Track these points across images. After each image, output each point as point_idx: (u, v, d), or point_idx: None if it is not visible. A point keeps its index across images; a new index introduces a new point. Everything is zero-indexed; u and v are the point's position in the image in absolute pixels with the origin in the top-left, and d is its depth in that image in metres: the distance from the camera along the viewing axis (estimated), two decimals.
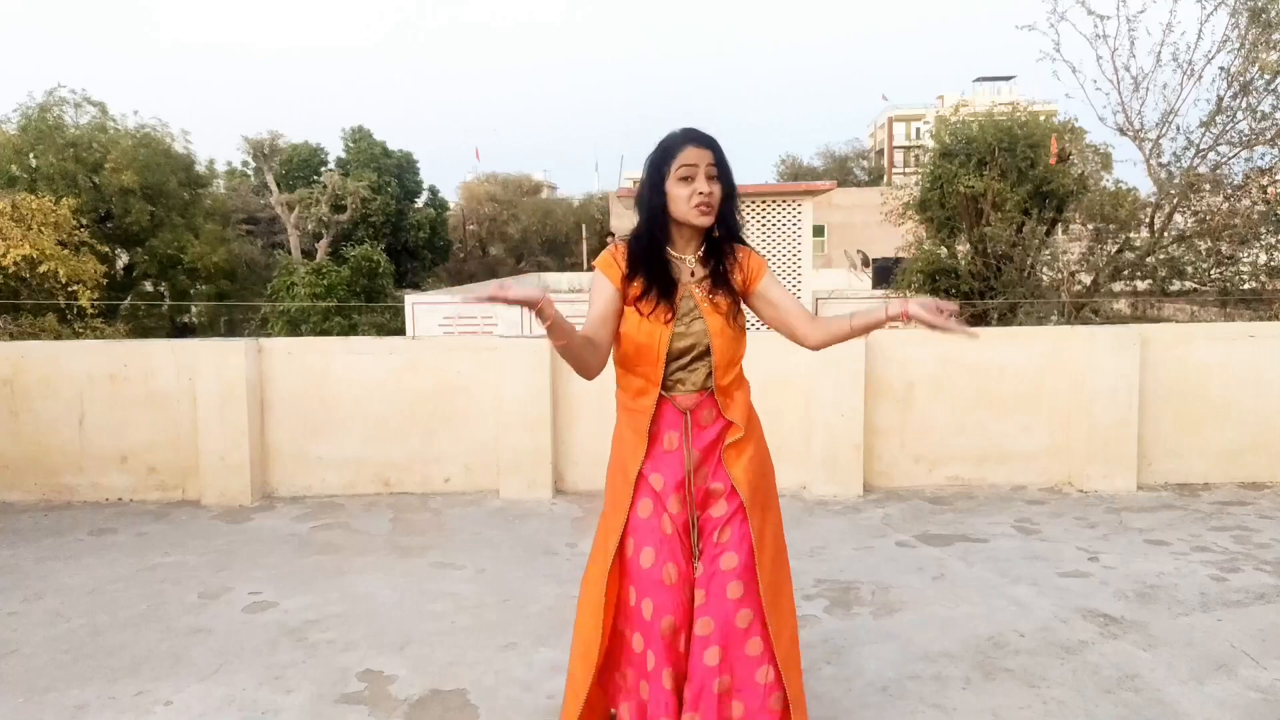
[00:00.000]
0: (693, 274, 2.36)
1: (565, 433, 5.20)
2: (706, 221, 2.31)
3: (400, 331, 19.06)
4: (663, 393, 2.35)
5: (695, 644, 2.30)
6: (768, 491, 2.42)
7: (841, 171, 51.02)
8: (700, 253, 2.38)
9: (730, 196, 2.35)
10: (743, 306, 2.42)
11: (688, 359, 2.34)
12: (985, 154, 12.84)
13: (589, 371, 2.26)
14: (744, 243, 2.43)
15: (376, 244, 28.76)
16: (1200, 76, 10.95)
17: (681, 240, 2.37)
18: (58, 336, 16.56)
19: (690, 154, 2.27)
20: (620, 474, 2.41)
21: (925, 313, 2.15)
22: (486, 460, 5.24)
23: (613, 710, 2.44)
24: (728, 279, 2.36)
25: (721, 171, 2.31)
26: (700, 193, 2.26)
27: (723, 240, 2.39)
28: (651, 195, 2.32)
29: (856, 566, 3.96)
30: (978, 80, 57.82)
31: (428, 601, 3.62)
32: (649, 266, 2.33)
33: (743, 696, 2.31)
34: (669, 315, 2.31)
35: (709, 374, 2.34)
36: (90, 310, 17.72)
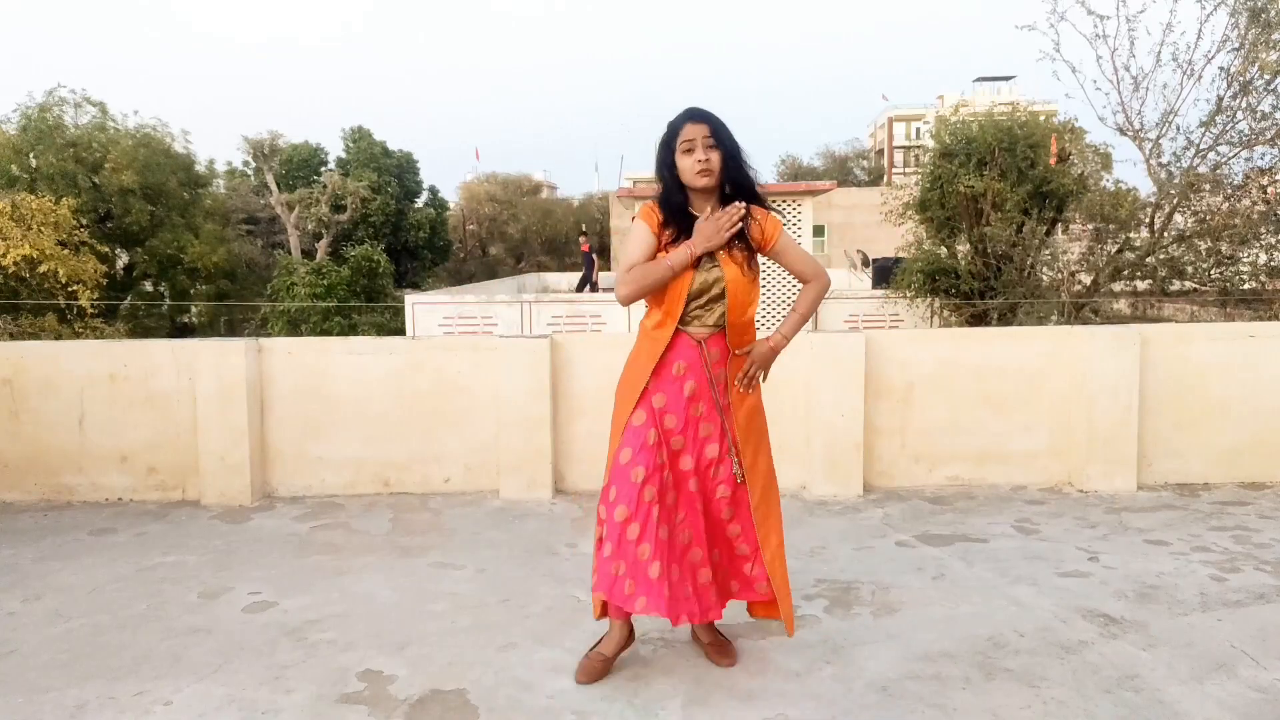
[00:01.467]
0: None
1: (565, 433, 5.20)
2: (706, 182, 2.78)
3: (400, 331, 19.06)
4: (680, 326, 2.84)
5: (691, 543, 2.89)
6: (760, 431, 2.97)
7: (841, 171, 51.01)
8: (714, 209, 2.81)
9: (732, 157, 2.80)
10: (759, 260, 2.92)
11: (705, 299, 2.82)
12: (985, 154, 12.85)
13: (648, 293, 2.85)
14: (759, 199, 2.87)
15: (376, 244, 28.75)
16: (1200, 76, 10.97)
17: (699, 202, 2.85)
18: (58, 336, 16.58)
19: (689, 130, 2.77)
20: (628, 387, 2.89)
21: (755, 359, 2.92)
22: (486, 460, 5.24)
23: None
24: (744, 235, 2.83)
25: (719, 140, 2.77)
26: (699, 160, 2.75)
27: (735, 197, 2.84)
28: (665, 170, 2.83)
29: (856, 566, 3.96)
30: (978, 80, 57.82)
31: (428, 601, 3.62)
32: (677, 221, 2.83)
33: (734, 578, 3.00)
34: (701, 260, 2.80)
35: (723, 314, 2.84)
36: (90, 310, 17.74)
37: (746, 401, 2.94)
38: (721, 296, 2.81)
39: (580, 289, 21.60)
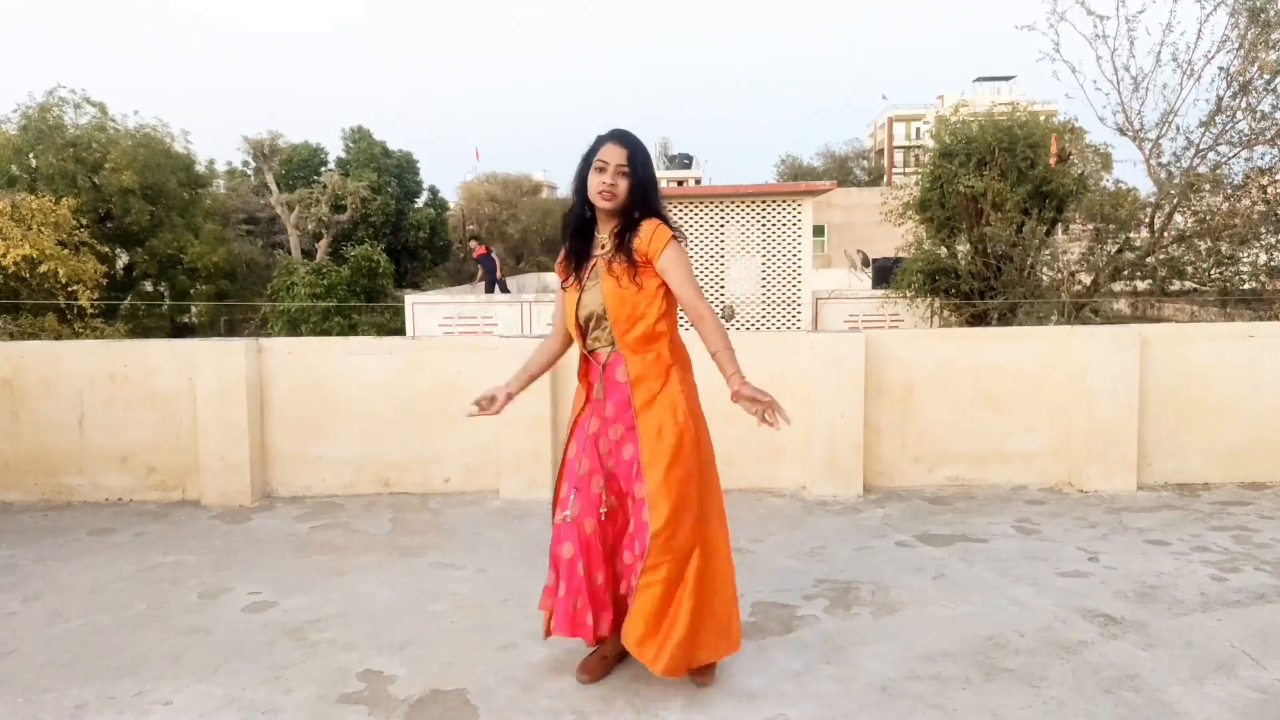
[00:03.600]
0: (603, 247, 2.83)
1: (565, 433, 5.19)
2: (606, 205, 2.77)
3: (400, 331, 19.05)
4: (585, 351, 2.88)
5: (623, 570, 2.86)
6: (678, 447, 2.76)
7: (841, 171, 51.01)
8: (615, 230, 2.81)
9: (642, 188, 2.77)
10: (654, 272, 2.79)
11: (594, 320, 2.84)
12: (985, 154, 12.85)
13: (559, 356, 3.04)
14: (663, 219, 2.81)
15: (376, 244, 28.75)
16: (1200, 76, 10.96)
17: (601, 220, 2.85)
18: (58, 336, 16.57)
19: (607, 150, 2.76)
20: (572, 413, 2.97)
21: (750, 400, 2.59)
22: (486, 460, 5.24)
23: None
24: (628, 248, 2.77)
25: (633, 168, 2.76)
26: (605, 183, 2.74)
27: (640, 220, 2.79)
28: (578, 182, 2.82)
29: (856, 566, 3.96)
30: (978, 80, 57.84)
31: (428, 601, 3.62)
32: (572, 241, 2.88)
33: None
34: (577, 284, 2.85)
35: (604, 331, 2.82)
36: (90, 310, 17.73)
37: (655, 421, 2.76)
38: (604, 315, 2.80)
39: (489, 291, 21.08)
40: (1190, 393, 5.25)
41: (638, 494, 2.77)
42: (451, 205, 41.82)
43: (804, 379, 5.14)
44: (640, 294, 2.75)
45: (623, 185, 2.75)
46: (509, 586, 3.77)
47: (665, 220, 2.80)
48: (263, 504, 5.10)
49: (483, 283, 21.68)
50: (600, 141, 2.80)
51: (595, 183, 2.75)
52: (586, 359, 2.90)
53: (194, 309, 26.24)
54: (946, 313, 13.95)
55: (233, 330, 25.32)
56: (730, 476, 4.23)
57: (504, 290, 21.09)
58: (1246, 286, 11.72)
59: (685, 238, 2.85)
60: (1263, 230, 11.30)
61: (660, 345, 2.81)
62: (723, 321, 2.90)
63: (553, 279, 29.81)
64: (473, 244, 22.88)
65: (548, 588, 2.90)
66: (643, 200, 2.79)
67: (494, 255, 22.56)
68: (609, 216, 2.82)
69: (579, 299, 2.83)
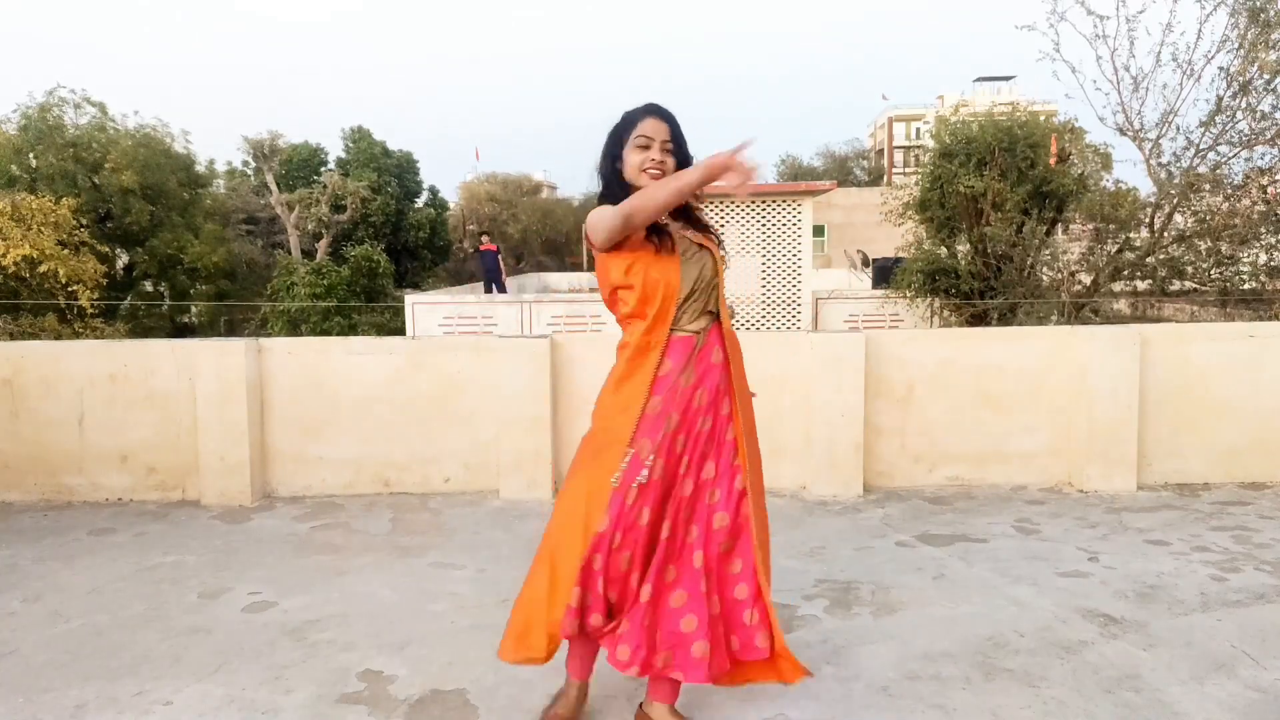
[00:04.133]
0: (669, 228, 2.53)
1: (565, 433, 5.20)
2: None
3: (400, 331, 19.05)
4: (673, 328, 2.49)
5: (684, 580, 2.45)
6: (756, 442, 2.62)
7: (841, 171, 51.00)
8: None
9: (688, 163, 2.52)
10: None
11: (698, 293, 2.52)
12: (985, 154, 12.84)
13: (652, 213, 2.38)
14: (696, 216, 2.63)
15: (376, 244, 28.74)
16: (1200, 76, 10.96)
17: None
18: (58, 336, 16.57)
19: (649, 125, 2.50)
20: (619, 409, 2.50)
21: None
22: (486, 460, 5.24)
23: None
24: (704, 223, 2.61)
25: (677, 146, 2.52)
26: (653, 159, 2.47)
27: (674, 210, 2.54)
28: (609, 164, 2.54)
29: (856, 566, 3.96)
30: (978, 80, 57.87)
31: (428, 601, 3.62)
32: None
33: (733, 631, 2.50)
34: (674, 251, 2.48)
35: (711, 301, 2.55)
36: (90, 310, 17.73)
37: (748, 405, 2.61)
38: (712, 286, 2.54)
39: (488, 290, 20.99)
40: (1190, 393, 5.25)
41: (716, 497, 2.50)
42: (451, 205, 41.82)
43: (804, 379, 5.14)
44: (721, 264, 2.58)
45: (670, 163, 2.50)
46: (509, 586, 3.76)
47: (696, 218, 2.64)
48: (263, 504, 5.10)
49: (495, 277, 21.70)
50: (636, 116, 2.52)
51: (639, 160, 2.48)
52: (668, 340, 2.49)
53: (194, 309, 26.24)
54: (946, 313, 13.95)
55: (233, 330, 25.31)
56: None
57: (500, 290, 21.03)
58: (1246, 286, 11.72)
59: None
60: (1263, 230, 11.30)
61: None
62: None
63: (553, 279, 29.78)
64: (484, 239, 22.84)
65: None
66: None
67: (499, 254, 22.47)
68: None
69: (681, 269, 2.47)
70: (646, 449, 2.44)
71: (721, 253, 2.61)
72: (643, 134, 2.48)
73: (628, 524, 2.40)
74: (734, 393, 2.57)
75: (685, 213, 2.61)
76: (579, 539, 2.43)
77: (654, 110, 2.52)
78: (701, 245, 2.56)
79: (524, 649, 2.50)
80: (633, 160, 2.49)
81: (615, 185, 2.53)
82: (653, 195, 2.33)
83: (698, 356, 2.51)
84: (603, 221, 2.41)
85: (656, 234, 2.48)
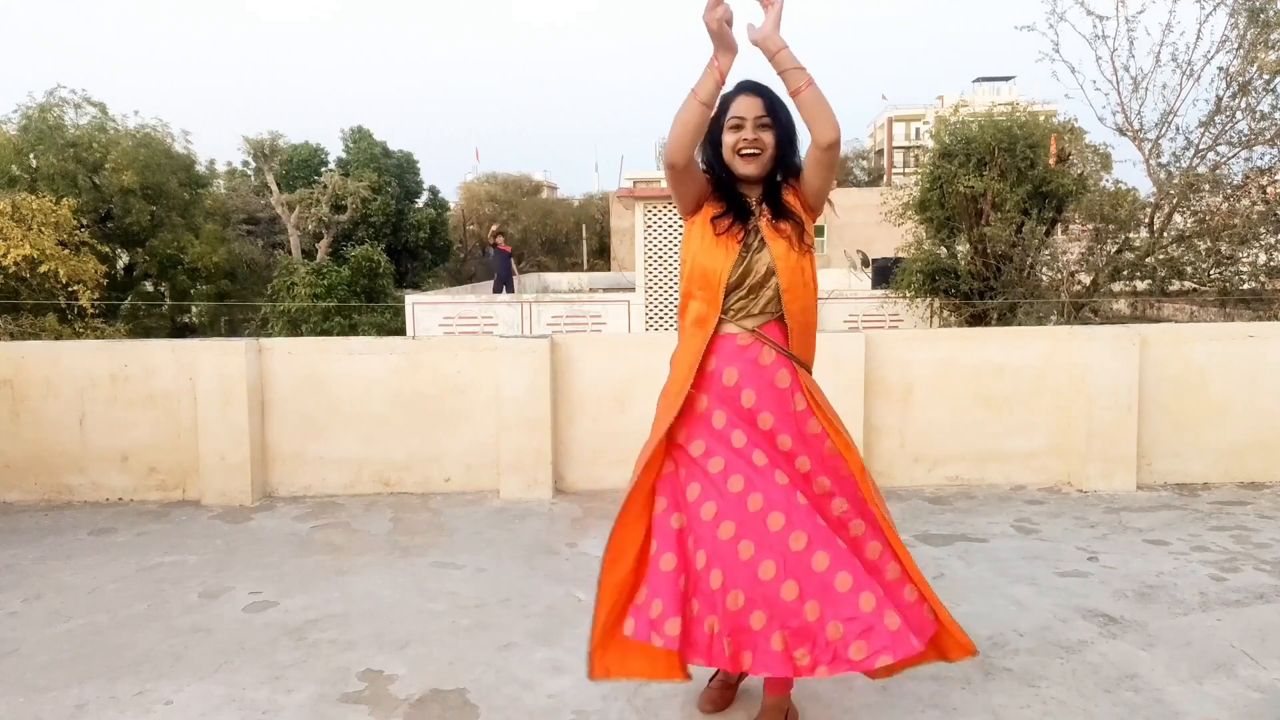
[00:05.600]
0: (754, 212, 2.41)
1: (565, 433, 5.21)
2: (749, 169, 2.38)
3: (400, 331, 19.05)
4: (723, 316, 2.38)
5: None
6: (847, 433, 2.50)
7: (841, 171, 50.95)
8: (759, 198, 2.43)
9: (789, 141, 2.40)
10: (807, 235, 2.43)
11: (747, 287, 2.37)
12: (985, 154, 12.85)
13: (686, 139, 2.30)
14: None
15: (377, 244, 28.71)
16: (1199, 77, 10.97)
17: (744, 186, 2.44)
18: (58, 336, 16.57)
19: (741, 104, 2.36)
20: (665, 401, 2.44)
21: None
22: (486, 460, 5.24)
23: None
24: (788, 209, 2.41)
25: (775, 117, 2.37)
26: (745, 139, 2.35)
27: (783, 185, 2.45)
28: (712, 149, 2.42)
29: None
30: (977, 80, 57.86)
31: (428, 601, 3.63)
32: (728, 194, 2.42)
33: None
34: (739, 237, 2.36)
35: (772, 299, 2.38)
36: (90, 310, 17.74)
37: (841, 434, 2.44)
38: (768, 280, 2.36)
39: (498, 290, 20.96)
40: (1190, 393, 5.25)
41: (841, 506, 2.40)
42: (451, 205, 41.81)
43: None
44: (807, 257, 2.39)
45: (767, 139, 2.36)
46: (509, 586, 3.77)
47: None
48: (263, 504, 5.10)
49: (506, 278, 21.65)
50: (730, 96, 2.38)
51: (732, 140, 2.36)
52: (714, 336, 2.38)
53: (194, 309, 26.24)
54: (946, 313, 13.95)
55: (233, 330, 25.31)
56: None
57: (509, 290, 21.03)
58: (1246, 286, 11.73)
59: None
60: (1262, 230, 11.31)
61: (815, 332, 2.48)
62: None
63: (554, 279, 29.78)
64: (499, 239, 22.93)
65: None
66: (791, 157, 2.41)
67: (512, 256, 22.46)
68: (750, 185, 2.43)
69: (737, 258, 2.34)
70: (700, 448, 2.37)
71: (803, 246, 2.39)
72: (735, 115, 2.37)
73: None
74: (814, 405, 2.43)
75: (773, 195, 2.43)
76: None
77: (746, 87, 2.40)
78: (766, 239, 2.37)
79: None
80: (727, 141, 2.38)
81: (718, 169, 2.44)
82: (676, 117, 2.25)
83: (743, 356, 2.39)
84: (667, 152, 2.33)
85: (734, 215, 2.38)
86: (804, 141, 2.42)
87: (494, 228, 23.80)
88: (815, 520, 2.30)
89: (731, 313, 2.39)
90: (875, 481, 2.51)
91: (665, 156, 2.31)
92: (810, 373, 2.50)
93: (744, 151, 2.36)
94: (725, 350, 2.39)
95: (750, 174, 2.39)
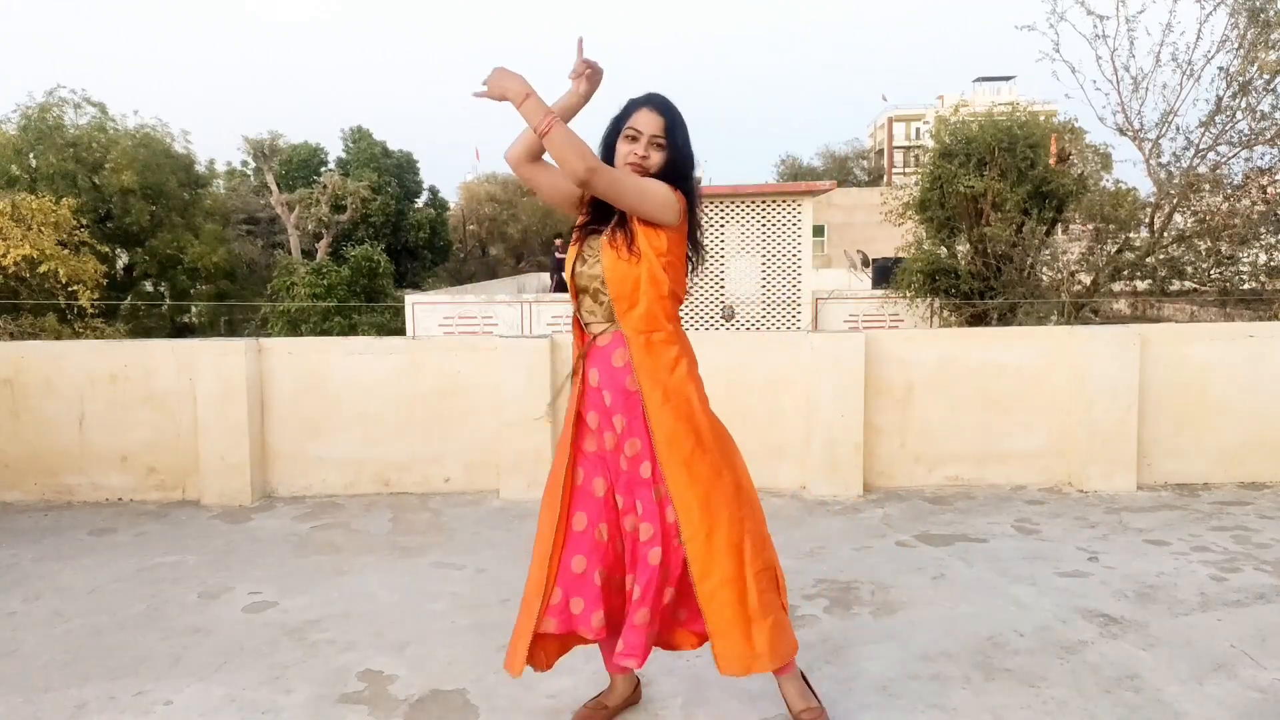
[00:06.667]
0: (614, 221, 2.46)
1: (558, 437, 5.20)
2: None
3: (400, 331, 19.05)
4: (583, 325, 2.52)
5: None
6: (692, 434, 2.45)
7: (841, 171, 51.02)
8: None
9: (681, 163, 2.42)
10: (659, 242, 2.41)
11: (589, 293, 2.48)
12: (985, 154, 12.86)
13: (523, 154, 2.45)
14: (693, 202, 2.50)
15: (376, 244, 28.72)
16: (1199, 76, 10.98)
17: None
18: (58, 336, 16.56)
19: (641, 118, 2.40)
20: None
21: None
22: (486, 460, 5.24)
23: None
24: (623, 218, 2.43)
25: (672, 140, 2.41)
26: (636, 154, 2.38)
27: None
28: (603, 149, 2.45)
29: (856, 566, 3.96)
30: (978, 80, 57.86)
31: (428, 601, 3.63)
32: (593, 206, 2.50)
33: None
34: (577, 247, 2.50)
35: (603, 305, 2.46)
36: (90, 310, 17.73)
37: (669, 411, 2.43)
38: (598, 291, 2.45)
39: (558, 290, 21.50)
40: (1190, 392, 5.25)
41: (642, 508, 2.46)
42: (451, 205, 41.82)
43: (804, 379, 5.14)
44: (638, 261, 2.38)
45: (656, 159, 2.39)
46: (509, 586, 3.77)
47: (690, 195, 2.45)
48: (263, 504, 5.10)
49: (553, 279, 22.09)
50: (633, 106, 2.43)
51: (624, 152, 2.39)
52: (578, 326, 2.55)
53: (194, 309, 26.24)
54: (946, 313, 13.96)
55: (233, 330, 25.31)
56: None
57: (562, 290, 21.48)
58: (1246, 286, 11.74)
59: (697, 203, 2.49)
60: (1262, 230, 11.32)
61: (667, 330, 2.46)
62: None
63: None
64: (557, 241, 23.24)
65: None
66: (679, 181, 2.42)
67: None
68: None
69: (574, 268, 2.49)
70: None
71: (631, 256, 2.38)
72: (633, 126, 2.40)
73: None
74: (644, 417, 2.43)
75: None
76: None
77: (650, 101, 2.42)
78: (605, 246, 2.43)
79: None
80: (620, 150, 2.41)
81: None
82: (569, 140, 2.27)
83: (585, 362, 2.49)
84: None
85: (600, 226, 2.47)
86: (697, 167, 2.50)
87: (558, 241, 24.70)
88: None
89: (588, 313, 2.51)
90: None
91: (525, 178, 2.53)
92: (675, 366, 2.47)
93: (631, 165, 2.39)
94: (590, 352, 2.50)
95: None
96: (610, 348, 2.46)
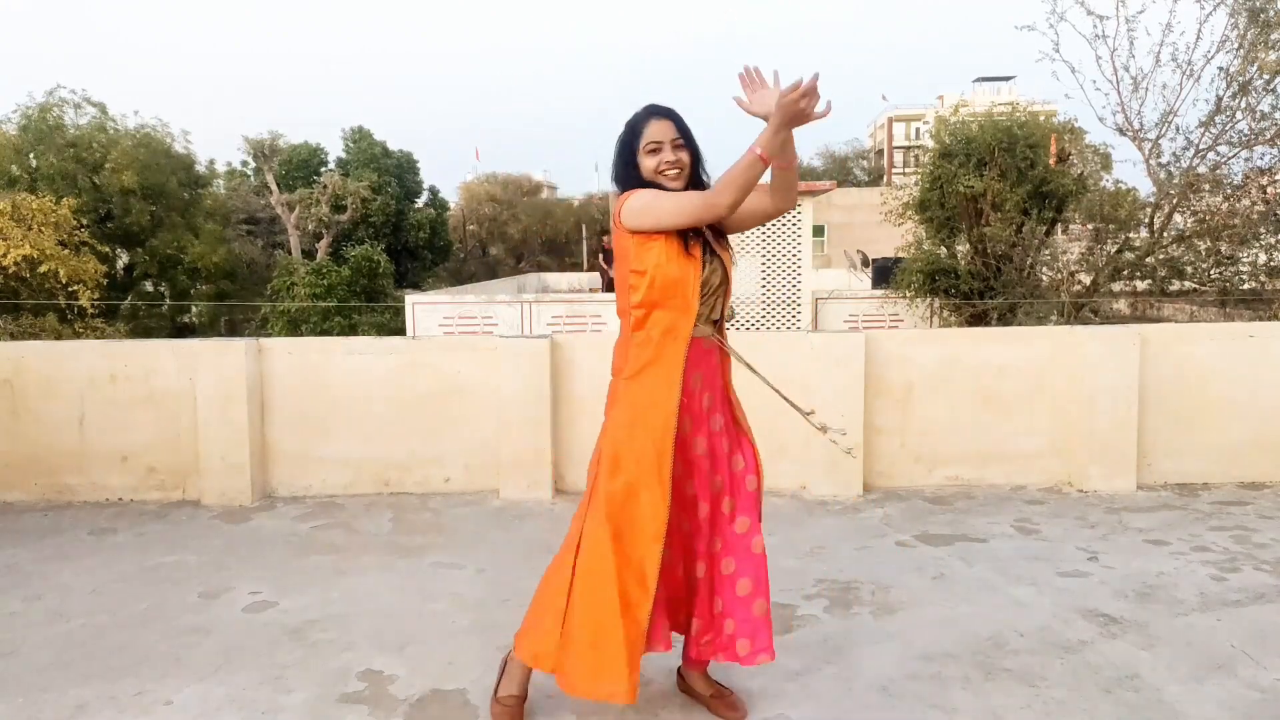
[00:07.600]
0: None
1: (565, 433, 5.20)
2: (676, 186, 2.54)
3: (400, 331, 19.05)
4: (677, 330, 2.53)
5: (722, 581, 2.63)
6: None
7: (841, 171, 51.01)
8: None
9: (698, 159, 2.61)
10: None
11: (708, 293, 2.58)
12: (985, 154, 12.86)
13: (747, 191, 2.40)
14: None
15: (376, 244, 28.73)
16: (1199, 77, 10.99)
17: None
18: (58, 336, 16.56)
19: (654, 129, 2.54)
20: (646, 432, 2.52)
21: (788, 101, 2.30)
22: (486, 460, 5.24)
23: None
24: (723, 229, 2.66)
25: (686, 139, 2.57)
26: (667, 160, 2.52)
27: None
28: (626, 170, 2.58)
29: (856, 566, 3.96)
30: (978, 80, 57.83)
31: (428, 601, 3.63)
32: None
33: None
34: (698, 249, 2.54)
35: (720, 302, 2.64)
36: (90, 310, 17.72)
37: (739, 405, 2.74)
38: (720, 287, 2.62)
39: (609, 289, 21.64)
40: (1190, 392, 5.25)
41: (736, 504, 2.67)
42: (451, 205, 41.82)
43: (804, 379, 5.13)
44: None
45: (685, 158, 2.55)
46: (509, 586, 3.77)
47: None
48: (263, 504, 5.10)
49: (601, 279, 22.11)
50: (639, 122, 2.56)
51: (654, 164, 2.52)
52: (674, 334, 2.54)
53: (194, 309, 26.25)
54: (946, 313, 13.96)
55: (233, 330, 25.32)
56: None
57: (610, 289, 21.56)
58: (1246, 286, 11.74)
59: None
60: (1262, 230, 11.32)
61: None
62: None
63: (553, 279, 29.82)
64: (605, 239, 23.39)
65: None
66: (699, 174, 2.61)
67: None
68: None
69: (704, 271, 2.54)
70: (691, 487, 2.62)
71: (732, 265, 2.67)
72: (651, 140, 2.53)
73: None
74: (729, 403, 2.70)
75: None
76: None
77: (655, 111, 2.56)
78: (716, 253, 2.60)
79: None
80: (648, 165, 2.54)
81: (641, 185, 2.55)
82: (734, 178, 2.33)
83: (707, 358, 2.61)
84: (664, 208, 2.45)
85: (689, 232, 2.55)
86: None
87: (605, 240, 25.10)
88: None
89: (699, 319, 2.58)
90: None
91: (713, 206, 2.39)
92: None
93: (668, 172, 2.53)
94: (694, 355, 2.57)
95: (678, 190, 2.54)
96: (712, 346, 2.62)
